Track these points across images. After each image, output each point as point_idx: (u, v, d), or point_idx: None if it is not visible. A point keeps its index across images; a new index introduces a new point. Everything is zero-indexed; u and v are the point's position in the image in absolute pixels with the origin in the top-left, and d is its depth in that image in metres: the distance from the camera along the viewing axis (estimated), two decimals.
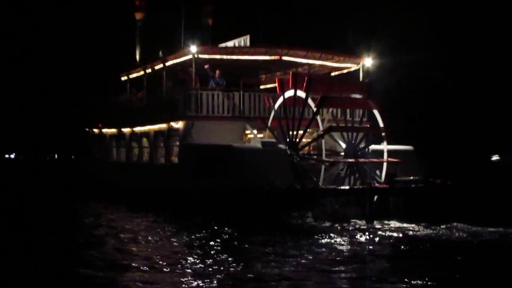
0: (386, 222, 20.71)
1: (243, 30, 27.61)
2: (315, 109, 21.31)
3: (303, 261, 14.27)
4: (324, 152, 21.47)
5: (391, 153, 22.37)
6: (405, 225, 20.24)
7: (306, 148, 22.95)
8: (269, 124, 23.37)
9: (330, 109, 23.74)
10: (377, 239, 17.71)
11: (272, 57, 25.40)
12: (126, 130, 30.03)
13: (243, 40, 26.57)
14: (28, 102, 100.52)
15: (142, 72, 29.08)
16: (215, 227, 19.51)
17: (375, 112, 22.66)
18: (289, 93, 22.17)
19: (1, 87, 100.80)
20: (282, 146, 21.81)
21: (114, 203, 27.36)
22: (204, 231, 18.94)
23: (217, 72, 25.50)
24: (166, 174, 25.23)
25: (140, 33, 33.54)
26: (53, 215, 25.50)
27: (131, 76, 30.71)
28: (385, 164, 22.10)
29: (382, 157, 22.20)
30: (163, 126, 25.75)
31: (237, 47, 25.34)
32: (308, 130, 22.32)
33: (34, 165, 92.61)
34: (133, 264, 13.95)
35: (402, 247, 16.42)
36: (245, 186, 19.81)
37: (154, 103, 27.72)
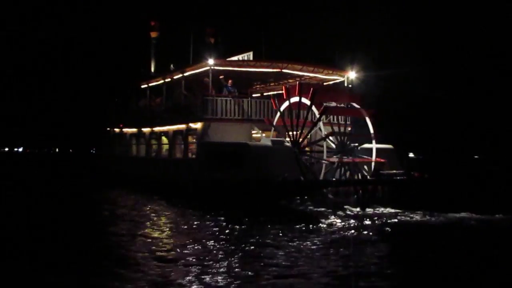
0: (376, 208, 23.23)
1: (242, 47, 31.25)
2: (318, 115, 24.38)
3: (307, 243, 16.01)
4: (325, 152, 24.09)
5: (376, 150, 25.39)
6: (391, 210, 22.86)
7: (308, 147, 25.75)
8: (274, 123, 26.49)
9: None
10: (369, 222, 20.19)
11: (274, 70, 29.11)
12: (146, 129, 33.80)
13: (247, 56, 29.94)
14: (55, 105, 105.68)
15: (161, 81, 32.88)
16: (229, 212, 21.75)
17: (367, 118, 25.54)
18: (295, 99, 25.05)
19: (32, 91, 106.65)
20: (288, 144, 24.94)
21: (139, 191, 30.75)
22: (221, 216, 21.18)
23: (230, 81, 29.14)
24: (185, 167, 28.43)
25: (154, 49, 38.20)
26: (81, 200, 29.22)
27: (151, 84, 34.53)
28: (373, 162, 25.14)
29: (370, 153, 25.19)
30: (182, 126, 29.14)
31: (246, 61, 28.84)
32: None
33: (61, 158, 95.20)
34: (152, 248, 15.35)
35: (390, 229, 18.75)
36: (260, 177, 22.30)
37: (173, 107, 31.25)
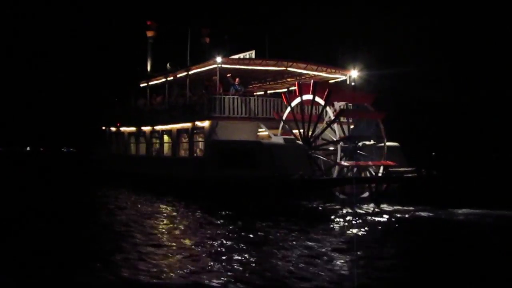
0: (389, 206, 22.90)
1: (243, 46, 30.70)
2: (333, 117, 24.02)
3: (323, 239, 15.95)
4: (339, 154, 23.88)
5: (382, 148, 25.04)
6: (404, 207, 22.56)
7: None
8: (284, 117, 26.00)
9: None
10: (384, 219, 20.07)
11: (280, 68, 28.58)
12: (147, 128, 32.81)
13: (249, 55, 29.16)
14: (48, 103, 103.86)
15: (163, 80, 31.90)
16: (244, 210, 21.47)
17: (379, 120, 25.07)
18: (307, 97, 24.71)
19: (27, 90, 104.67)
20: (299, 142, 24.51)
21: (145, 191, 29.53)
22: (235, 215, 20.78)
23: (237, 79, 28.45)
24: (192, 166, 27.66)
25: (151, 48, 37.27)
26: (81, 200, 28.00)
27: (151, 83, 33.50)
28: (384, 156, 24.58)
29: (378, 151, 24.79)
30: (187, 125, 28.34)
31: (253, 59, 28.04)
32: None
33: (54, 157, 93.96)
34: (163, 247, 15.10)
35: (406, 226, 18.81)
36: (275, 175, 21.89)
37: (178, 105, 30.42)
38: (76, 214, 22.04)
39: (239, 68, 28.01)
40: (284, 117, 26.16)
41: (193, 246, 15.23)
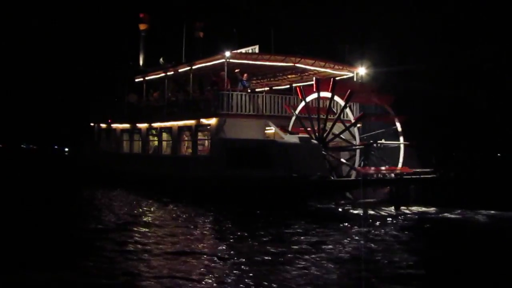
0: (409, 207, 21.88)
1: (248, 41, 28.90)
2: (353, 120, 22.56)
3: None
4: (357, 160, 22.47)
5: (392, 147, 24.09)
6: (424, 209, 21.75)
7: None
8: (297, 111, 24.51)
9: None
10: (407, 222, 19.01)
11: (288, 64, 26.83)
12: (142, 125, 30.43)
13: (251, 49, 27.35)
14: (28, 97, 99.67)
15: (162, 74, 29.72)
16: (257, 212, 20.20)
17: (398, 124, 23.98)
18: (324, 94, 23.30)
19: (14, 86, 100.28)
20: (314, 141, 22.91)
21: (144, 192, 27.31)
22: (250, 216, 19.59)
23: (245, 75, 26.51)
24: (196, 165, 25.70)
25: (143, 42, 35.04)
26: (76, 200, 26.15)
27: (148, 78, 31.21)
28: (400, 165, 23.49)
29: (393, 151, 23.70)
30: (190, 122, 26.35)
31: (261, 54, 26.19)
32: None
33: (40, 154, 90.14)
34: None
35: (430, 228, 17.97)
36: (291, 176, 20.61)
37: (179, 101, 28.41)
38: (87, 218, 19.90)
39: (246, 63, 26.11)
40: (297, 112, 24.62)
41: (215, 254, 13.74)
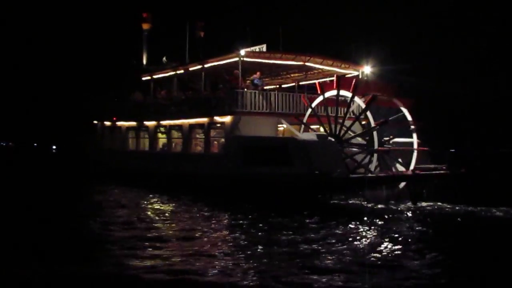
0: (425, 203, 22.15)
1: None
2: (373, 124, 22.23)
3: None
4: (374, 163, 22.28)
5: (403, 143, 24.30)
6: (439, 204, 21.99)
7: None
8: (313, 105, 24.21)
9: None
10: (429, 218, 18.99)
11: (299, 63, 26.71)
12: (150, 123, 30.03)
13: (259, 48, 27.13)
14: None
15: (171, 73, 29.37)
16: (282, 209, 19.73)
17: (413, 127, 24.11)
18: (344, 92, 22.98)
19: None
20: (331, 138, 22.63)
21: (158, 189, 26.82)
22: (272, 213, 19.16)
23: (258, 73, 26.29)
24: (210, 162, 25.36)
25: (146, 41, 34.71)
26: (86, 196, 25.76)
27: (156, 76, 30.82)
28: (414, 159, 23.46)
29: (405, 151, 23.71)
30: (203, 120, 26.00)
31: (273, 52, 25.94)
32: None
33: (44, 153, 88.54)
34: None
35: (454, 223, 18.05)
36: (316, 173, 20.29)
37: (189, 99, 28.03)
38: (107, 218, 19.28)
39: (259, 62, 25.86)
40: (313, 105, 24.35)
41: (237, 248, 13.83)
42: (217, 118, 25.18)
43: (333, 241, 14.35)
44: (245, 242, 14.36)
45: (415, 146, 23.81)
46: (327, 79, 29.04)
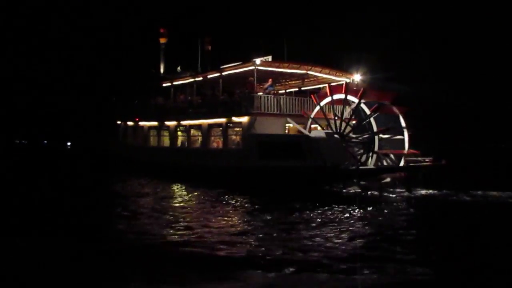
0: (417, 190, 24.89)
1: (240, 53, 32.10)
2: (369, 112, 25.94)
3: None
4: (377, 145, 25.93)
5: (394, 140, 26.93)
6: (432, 191, 24.67)
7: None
8: (312, 115, 27.78)
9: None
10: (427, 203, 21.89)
11: (303, 71, 30.21)
12: (171, 123, 33.57)
13: (265, 59, 30.13)
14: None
15: (191, 80, 32.98)
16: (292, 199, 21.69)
17: (400, 116, 26.71)
18: (351, 98, 26.29)
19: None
20: (336, 135, 25.79)
21: (176, 179, 30.09)
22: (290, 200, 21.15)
23: (270, 80, 29.82)
24: (228, 156, 28.35)
25: (163, 53, 38.56)
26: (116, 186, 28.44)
27: (176, 83, 34.47)
28: (406, 146, 26.13)
29: (395, 143, 26.50)
30: (221, 120, 29.30)
31: (282, 63, 29.11)
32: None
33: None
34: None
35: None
36: (328, 165, 23.04)
37: (210, 102, 31.27)
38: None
39: (270, 70, 29.16)
40: (312, 115, 27.92)
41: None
42: (235, 119, 28.43)
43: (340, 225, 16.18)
44: (259, 223, 16.37)
45: (406, 147, 26.43)
46: (321, 85, 33.10)
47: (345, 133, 26.54)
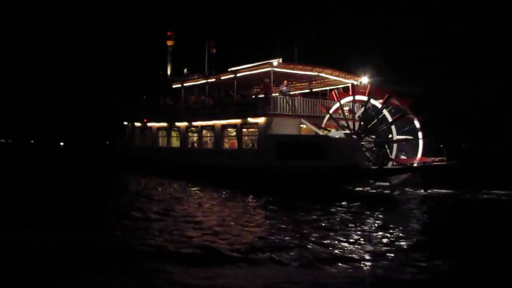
0: (435, 189, 24.83)
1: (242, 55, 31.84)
2: (391, 120, 25.74)
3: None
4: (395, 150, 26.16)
5: (407, 145, 26.85)
6: (444, 190, 24.71)
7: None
8: (330, 111, 27.49)
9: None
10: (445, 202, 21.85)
11: (315, 73, 30.05)
12: (182, 124, 33.02)
13: (276, 61, 29.34)
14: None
15: (203, 81, 32.48)
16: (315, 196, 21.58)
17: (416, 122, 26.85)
18: (359, 97, 26.52)
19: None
20: (354, 136, 25.78)
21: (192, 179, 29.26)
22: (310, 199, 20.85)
23: (285, 82, 29.50)
24: (244, 157, 27.95)
25: (170, 55, 38.09)
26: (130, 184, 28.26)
27: (186, 84, 33.90)
28: (419, 153, 26.15)
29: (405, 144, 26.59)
30: (235, 121, 28.92)
31: (296, 65, 28.91)
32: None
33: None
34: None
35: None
36: (349, 165, 22.88)
37: (224, 103, 30.93)
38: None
39: (285, 72, 28.99)
40: (331, 111, 27.69)
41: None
42: (251, 119, 28.04)
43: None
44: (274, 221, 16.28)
45: (419, 154, 26.40)
46: (327, 88, 33.08)
47: (362, 134, 26.34)
